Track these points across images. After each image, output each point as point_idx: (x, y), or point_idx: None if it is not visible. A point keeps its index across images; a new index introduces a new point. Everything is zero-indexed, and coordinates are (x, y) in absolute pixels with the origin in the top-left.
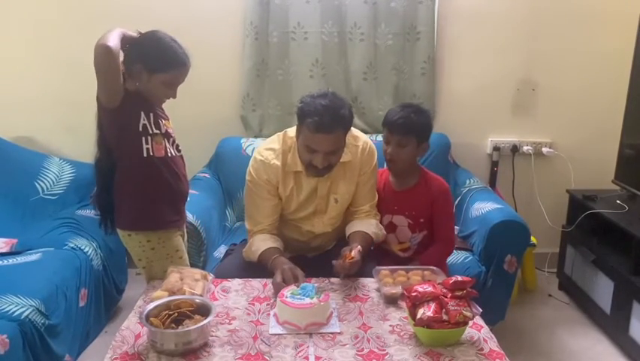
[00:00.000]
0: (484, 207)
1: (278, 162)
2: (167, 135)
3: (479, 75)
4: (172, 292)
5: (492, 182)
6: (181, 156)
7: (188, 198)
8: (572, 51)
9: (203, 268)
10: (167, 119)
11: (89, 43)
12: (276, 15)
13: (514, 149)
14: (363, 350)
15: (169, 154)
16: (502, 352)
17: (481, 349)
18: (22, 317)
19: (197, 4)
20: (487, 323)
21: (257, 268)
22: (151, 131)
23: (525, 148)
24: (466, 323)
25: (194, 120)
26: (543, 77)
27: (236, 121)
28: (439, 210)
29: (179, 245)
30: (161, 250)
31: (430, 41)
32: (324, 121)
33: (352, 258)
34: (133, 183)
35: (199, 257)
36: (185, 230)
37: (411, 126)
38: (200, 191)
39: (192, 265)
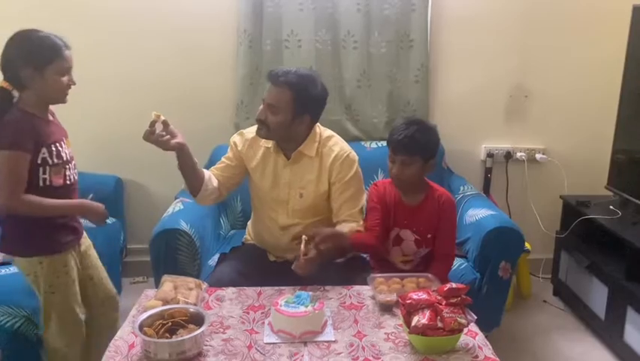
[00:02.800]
0: (478, 214)
1: (252, 134)
2: (68, 162)
3: (472, 82)
4: (166, 302)
5: (486, 188)
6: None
7: (182, 207)
8: (564, 58)
9: (197, 276)
10: (66, 136)
11: (77, 50)
12: (270, 23)
13: (508, 155)
14: (358, 358)
15: (68, 181)
16: (497, 359)
17: (476, 356)
18: (15, 328)
19: (191, 11)
20: (482, 329)
21: (251, 276)
22: (51, 163)
23: (518, 155)
24: (460, 330)
25: (187, 128)
26: (536, 83)
27: (230, 129)
28: (442, 225)
29: (69, 261)
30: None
31: (423, 49)
32: (275, 71)
33: (305, 253)
34: None
35: (193, 266)
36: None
37: (416, 146)
38: None
39: (186, 274)
